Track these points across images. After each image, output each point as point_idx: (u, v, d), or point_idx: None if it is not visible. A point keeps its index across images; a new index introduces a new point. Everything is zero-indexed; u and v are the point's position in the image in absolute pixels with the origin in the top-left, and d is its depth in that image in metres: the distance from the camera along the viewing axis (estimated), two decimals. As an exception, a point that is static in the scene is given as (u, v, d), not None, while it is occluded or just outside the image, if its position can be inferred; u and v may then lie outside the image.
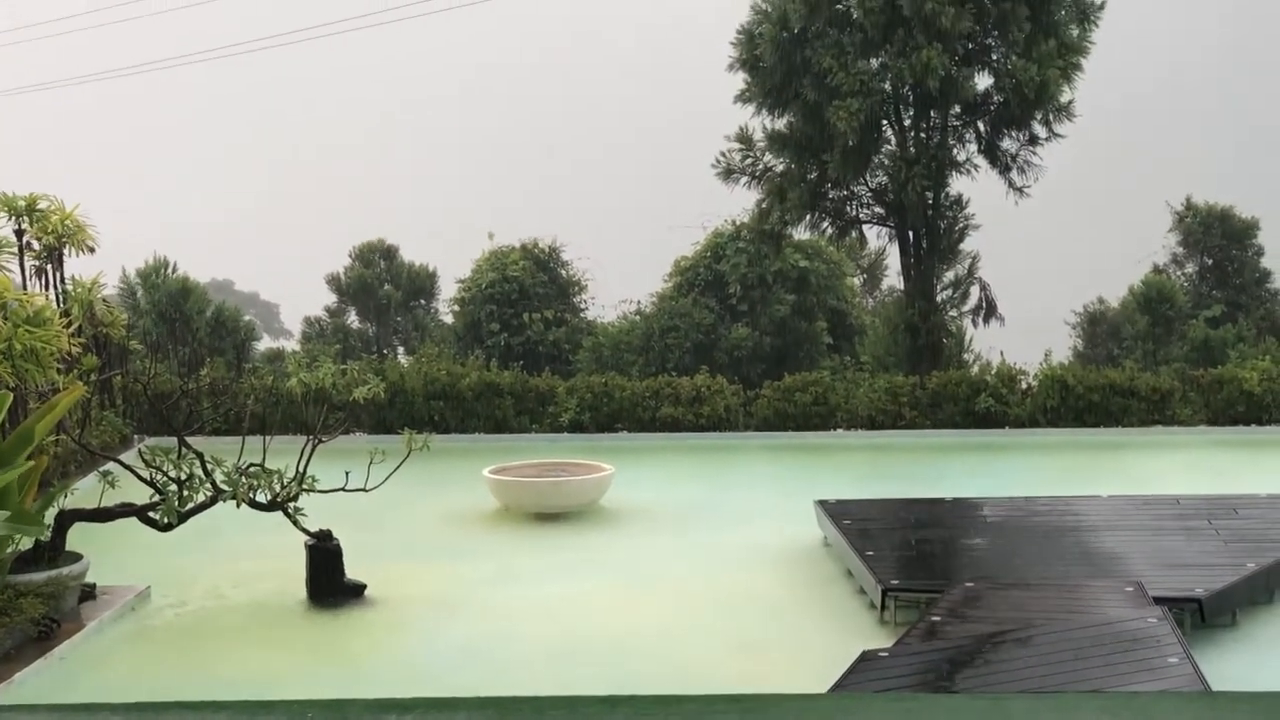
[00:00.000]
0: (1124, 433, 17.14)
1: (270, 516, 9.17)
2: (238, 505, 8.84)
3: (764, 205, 20.95)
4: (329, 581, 9.20)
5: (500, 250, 27.17)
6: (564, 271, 27.54)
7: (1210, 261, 27.45)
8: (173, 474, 8.81)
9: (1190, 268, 27.82)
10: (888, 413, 17.55)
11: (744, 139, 20.90)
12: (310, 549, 9.22)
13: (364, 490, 9.26)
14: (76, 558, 8.64)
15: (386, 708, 2.69)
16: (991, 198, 20.56)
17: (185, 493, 8.74)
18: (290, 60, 77.22)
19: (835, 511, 10.69)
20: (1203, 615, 7.96)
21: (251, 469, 8.93)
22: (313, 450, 9.33)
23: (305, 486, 9.08)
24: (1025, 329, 23.36)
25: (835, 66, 18.83)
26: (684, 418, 17.50)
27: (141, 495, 8.95)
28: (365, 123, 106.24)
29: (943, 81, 18.38)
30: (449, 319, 28.46)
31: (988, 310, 22.40)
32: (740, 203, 29.50)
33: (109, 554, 9.31)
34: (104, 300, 15.57)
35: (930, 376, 18.12)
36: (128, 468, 9.02)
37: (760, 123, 20.63)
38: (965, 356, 23.49)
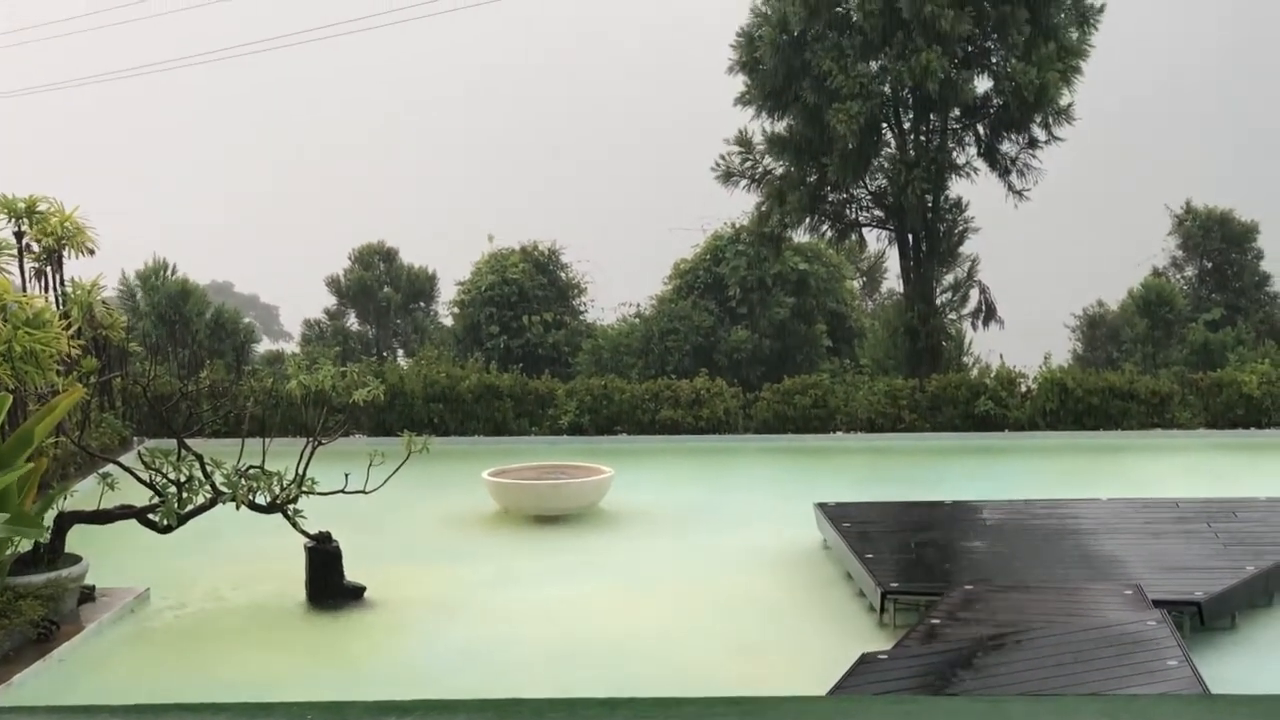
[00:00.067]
0: (1123, 436, 17.15)
1: (270, 518, 9.17)
2: (237, 507, 8.85)
3: (763, 208, 20.95)
4: (329, 583, 9.20)
5: (500, 253, 27.17)
6: (563, 274, 27.54)
7: (1210, 265, 27.45)
8: (172, 476, 8.81)
9: (1190, 271, 27.82)
10: (887, 415, 17.55)
11: (743, 142, 20.90)
12: (310, 551, 9.22)
13: (363, 492, 9.26)
14: (76, 560, 8.65)
15: (386, 710, 2.68)
16: (991, 201, 20.56)
17: (185, 495, 8.74)
18: (291, 62, 77.28)
19: (835, 514, 10.69)
20: (1202, 618, 7.97)
21: (251, 471, 8.93)
22: (312, 452, 9.33)
23: (305, 489, 9.08)
24: (1025, 332, 23.35)
25: (835, 69, 18.83)
26: (683, 420, 17.50)
27: (141, 497, 8.95)
28: (367, 124, 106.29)
29: (942, 84, 18.38)
30: (448, 321, 28.46)
31: (987, 313, 22.39)
32: (740, 205, 29.49)
33: (108, 556, 9.32)
34: (103, 302, 15.59)
35: (930, 379, 18.12)
36: (127, 470, 9.02)
37: (760, 125, 20.65)
38: (965, 359, 23.49)
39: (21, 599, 7.89)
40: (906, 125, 20.17)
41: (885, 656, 7.03)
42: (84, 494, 9.87)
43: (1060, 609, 7.85)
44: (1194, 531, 9.99)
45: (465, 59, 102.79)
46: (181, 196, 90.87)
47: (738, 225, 25.24)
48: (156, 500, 8.79)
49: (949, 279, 22.42)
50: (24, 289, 13.17)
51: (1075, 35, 19.43)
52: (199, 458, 8.87)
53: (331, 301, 30.34)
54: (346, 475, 9.25)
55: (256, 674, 7.83)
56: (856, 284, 29.35)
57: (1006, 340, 22.29)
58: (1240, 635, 8.23)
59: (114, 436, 15.09)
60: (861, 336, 26.03)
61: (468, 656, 8.16)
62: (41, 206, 13.78)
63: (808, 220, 20.92)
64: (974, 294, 22.56)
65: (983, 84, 19.84)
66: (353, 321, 30.42)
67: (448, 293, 28.92)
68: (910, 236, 20.54)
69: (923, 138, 20.04)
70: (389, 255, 30.43)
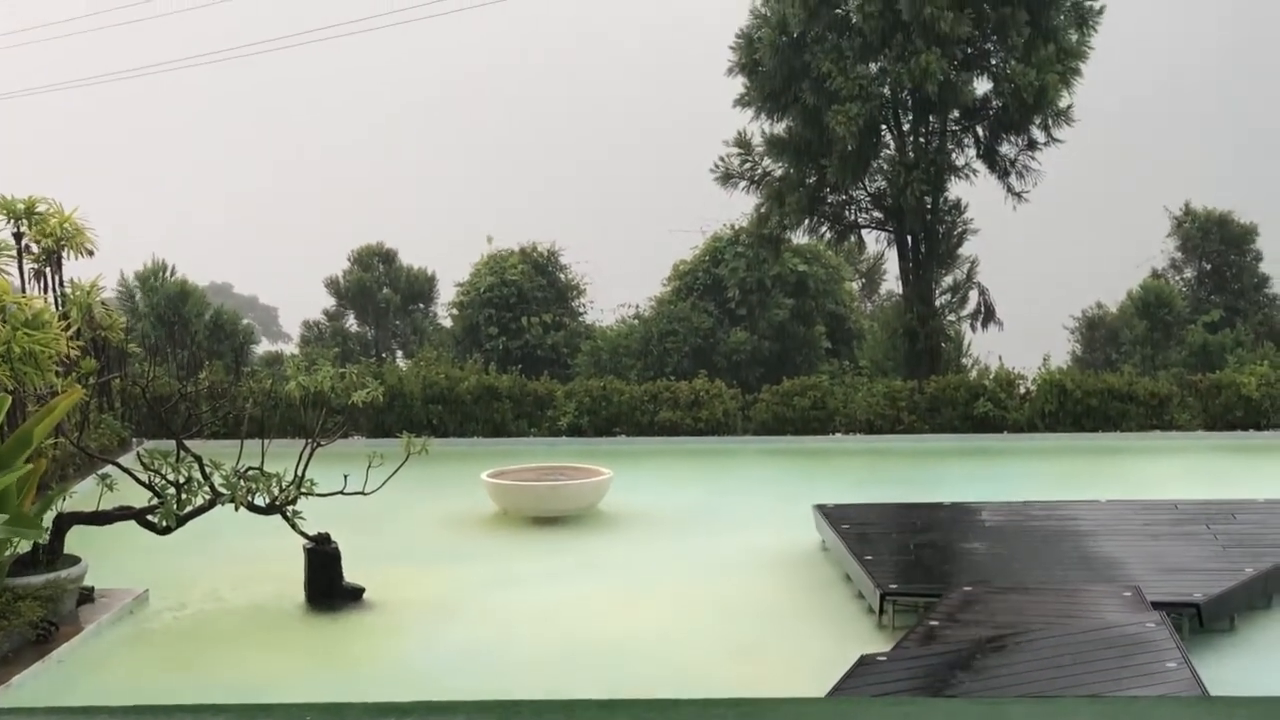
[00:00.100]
0: (1122, 437, 17.15)
1: (269, 520, 9.17)
2: (236, 508, 8.84)
3: (763, 209, 20.96)
4: (327, 585, 9.20)
5: (499, 254, 27.17)
6: (563, 275, 27.54)
7: (1209, 266, 27.45)
8: (171, 477, 8.81)
9: (1189, 273, 27.82)
10: (886, 417, 17.55)
11: (742, 143, 20.92)
12: (309, 552, 9.22)
13: (362, 494, 9.26)
14: (75, 561, 8.65)
15: (385, 711, 2.69)
16: (990, 202, 20.57)
17: (184, 496, 8.74)
18: (291, 62, 77.29)
19: (834, 516, 10.69)
20: (1201, 620, 7.97)
21: (250, 472, 8.93)
22: (311, 453, 9.33)
23: (304, 490, 9.08)
24: (1024, 333, 23.36)
25: (834, 71, 18.83)
26: (682, 422, 17.50)
27: (140, 498, 8.95)
28: (367, 125, 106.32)
29: (941, 86, 18.38)
30: (447, 323, 28.45)
31: (986, 315, 22.41)
32: (739, 207, 29.50)
33: (107, 557, 9.31)
34: (103, 303, 15.59)
35: (929, 381, 18.12)
36: (126, 471, 9.02)
37: (759, 127, 20.66)
38: (964, 361, 23.49)
39: (20, 600, 7.89)
40: (906, 127, 20.18)
41: (884, 658, 7.03)
42: (83, 495, 9.87)
43: (1059, 610, 7.86)
44: (1193, 533, 9.99)
45: (465, 60, 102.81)
46: (181, 198, 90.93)
47: (737, 227, 25.24)
48: (155, 501, 8.79)
49: (948, 280, 22.44)
50: (23, 290, 13.17)
51: (1074, 37, 19.44)
52: (198, 459, 8.87)
53: (330, 303, 30.33)
54: (345, 476, 9.25)
55: (255, 675, 7.83)
56: (855, 286, 29.35)
57: (1005, 342, 22.31)
58: (1239, 637, 8.23)
59: (113, 438, 15.09)
60: (860, 338, 26.03)
61: (467, 658, 8.16)
62: (41, 207, 13.78)
63: (807, 222, 20.92)
64: (973, 295, 22.59)
65: (982, 86, 19.85)
66: (352, 323, 30.42)
67: (447, 294, 28.93)
68: (909, 238, 20.54)
69: (922, 139, 20.04)
70: (388, 256, 30.43)
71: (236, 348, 24.66)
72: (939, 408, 17.54)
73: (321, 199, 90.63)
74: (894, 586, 8.63)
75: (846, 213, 21.12)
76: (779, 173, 20.69)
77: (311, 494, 9.11)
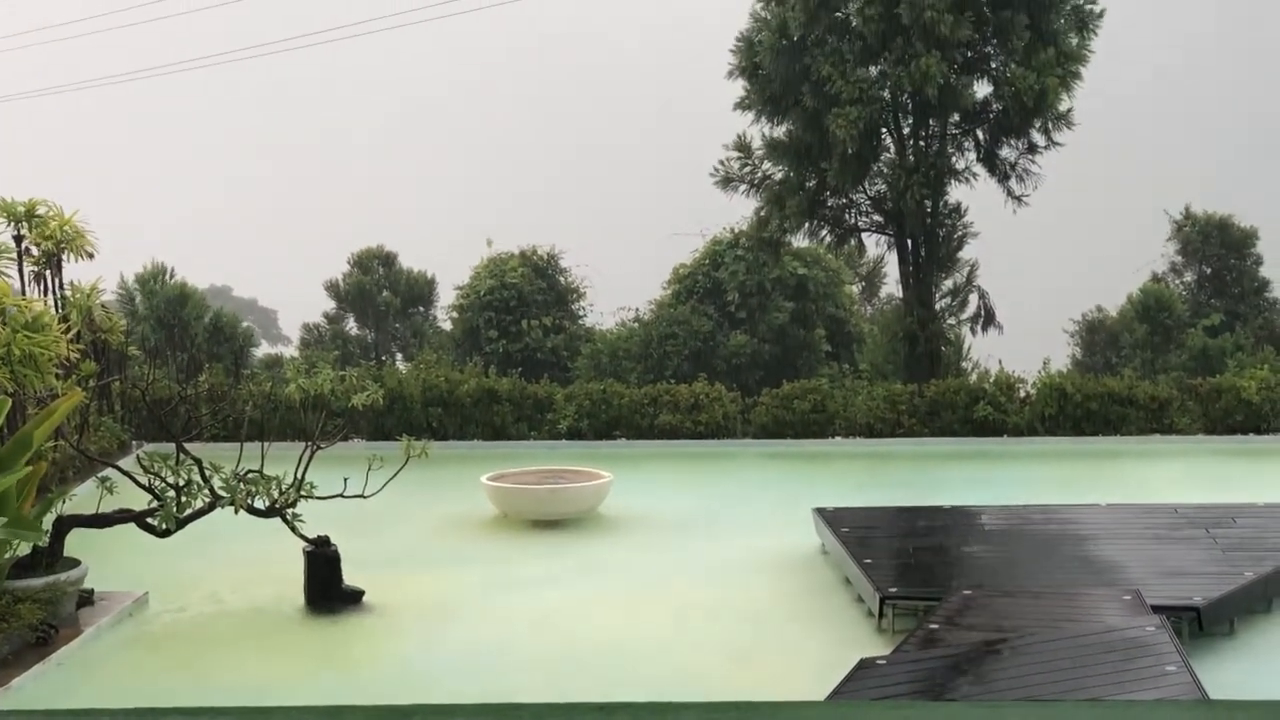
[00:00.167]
0: (1122, 441, 17.14)
1: (268, 523, 9.17)
2: (236, 511, 8.84)
3: (763, 213, 20.97)
4: (327, 588, 9.19)
5: (499, 257, 27.18)
6: (562, 278, 27.54)
7: (1209, 270, 27.47)
8: (171, 480, 8.81)
9: (1189, 276, 27.84)
10: (886, 420, 17.55)
11: (742, 147, 20.93)
12: (308, 555, 9.21)
13: (362, 497, 9.26)
14: (74, 563, 8.65)
15: (385, 714, 2.68)
16: (990, 206, 20.58)
17: (183, 499, 8.74)
18: (292, 65, 77.32)
19: (833, 519, 10.69)
20: (1200, 624, 7.96)
21: (250, 475, 8.92)
22: (311, 456, 9.33)
23: (303, 493, 9.08)
24: (1024, 337, 23.38)
25: (834, 74, 18.84)
26: (682, 425, 17.50)
27: (140, 501, 8.94)
28: (366, 127, 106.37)
29: (941, 89, 18.39)
30: (447, 326, 28.46)
31: (986, 318, 22.42)
32: (739, 210, 29.52)
33: (107, 560, 9.31)
34: (102, 306, 15.59)
35: (928, 384, 18.11)
36: (126, 474, 9.02)
37: (759, 130, 20.67)
38: (963, 365, 23.49)
39: (20, 603, 7.88)
40: (906, 130, 20.19)
41: (884, 662, 7.03)
42: (83, 498, 9.87)
43: (1059, 614, 7.85)
44: (1193, 537, 9.99)
45: (465, 62, 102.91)
46: (180, 200, 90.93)
47: (737, 230, 25.26)
48: (155, 504, 8.79)
49: (948, 284, 22.44)
50: (23, 292, 13.18)
51: (1075, 41, 19.44)
52: (198, 462, 8.87)
53: (330, 305, 30.35)
54: (345, 479, 9.25)
55: (255, 678, 7.83)
56: (855, 289, 29.36)
57: (1005, 345, 22.33)
58: (1239, 641, 8.23)
59: (113, 440, 15.09)
60: (860, 341, 26.04)
61: (466, 660, 8.16)
62: (41, 210, 13.78)
63: (807, 225, 20.93)
64: (973, 299, 22.60)
65: (982, 89, 19.86)
66: (351, 325, 30.43)
67: (446, 297, 28.96)
68: (909, 242, 20.55)
69: (922, 143, 20.05)
70: (388, 259, 30.45)
71: (236, 350, 24.66)
72: (939, 411, 17.53)
73: (321, 201, 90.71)
74: (894, 590, 8.62)
75: (846, 216, 21.13)
76: (779, 176, 20.70)
77: (311, 497, 9.11)
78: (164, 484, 8.81)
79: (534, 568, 10.69)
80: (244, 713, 2.84)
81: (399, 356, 29.40)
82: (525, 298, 26.30)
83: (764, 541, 11.28)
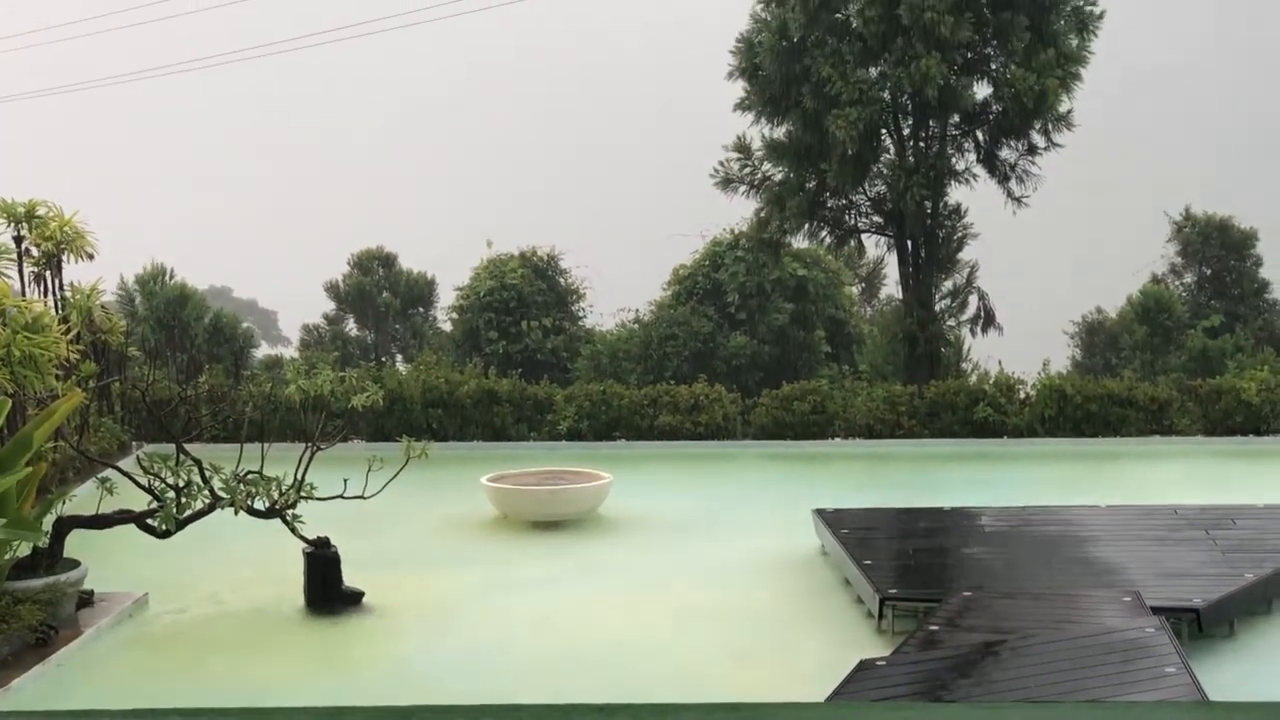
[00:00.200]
0: (1122, 442, 17.14)
1: (268, 524, 9.17)
2: (236, 512, 8.84)
3: (763, 214, 20.98)
4: (327, 589, 9.19)
5: (499, 258, 27.20)
6: (562, 279, 27.56)
7: (1209, 272, 27.49)
8: (171, 481, 8.81)
9: (1189, 278, 27.87)
10: (886, 422, 17.55)
11: (742, 148, 20.94)
12: (308, 556, 9.21)
13: (362, 498, 9.25)
14: (74, 564, 8.64)
15: (384, 715, 2.68)
16: (990, 207, 20.59)
17: (183, 500, 8.74)
18: (293, 66, 77.32)
19: (833, 520, 10.69)
20: (1200, 625, 7.96)
21: (250, 476, 8.92)
22: (311, 457, 9.33)
23: (303, 494, 9.08)
24: (1024, 338, 23.39)
25: (834, 75, 18.85)
26: (682, 426, 17.50)
27: (140, 502, 8.94)
28: (366, 128, 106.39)
29: (941, 91, 18.40)
30: (447, 327, 28.49)
31: (986, 319, 22.43)
32: (739, 211, 29.58)
33: (107, 561, 9.31)
34: (102, 307, 15.59)
35: (928, 386, 18.12)
36: (126, 475, 9.02)
37: (759, 131, 20.68)
38: (963, 366, 23.50)
39: (20, 604, 7.88)
40: (906, 131, 20.20)
41: (883, 663, 7.03)
42: (82, 499, 9.86)
43: (1059, 615, 7.85)
44: (1192, 538, 9.99)
45: (465, 63, 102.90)
46: (180, 201, 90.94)
47: (737, 231, 25.27)
48: (155, 505, 8.79)
49: (948, 285, 22.47)
50: (23, 293, 13.18)
51: (1075, 42, 19.46)
52: (198, 463, 8.86)
53: (330, 306, 30.38)
54: (345, 480, 9.24)
55: (255, 679, 7.83)
56: (855, 290, 29.38)
57: (1005, 346, 22.35)
58: (1238, 642, 8.23)
59: (113, 441, 15.09)
60: (860, 342, 26.06)
61: (466, 661, 8.16)
62: (41, 211, 13.78)
63: (807, 226, 20.95)
64: (973, 300, 22.63)
65: (982, 90, 19.88)
66: (351, 326, 30.46)
67: (446, 298, 28.99)
68: (909, 243, 20.56)
69: (922, 144, 20.06)
70: (388, 260, 30.48)
71: (236, 351, 24.68)
72: (939, 412, 17.53)
73: (321, 202, 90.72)
74: (893, 591, 8.62)
75: (846, 217, 21.14)
76: (779, 177, 20.72)
77: (311, 498, 9.11)
78: (164, 485, 8.81)
79: (534, 569, 10.69)
80: (244, 714, 2.84)
81: (399, 357, 29.44)
82: (525, 299, 26.32)
83: (764, 543, 11.28)
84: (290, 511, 9.05)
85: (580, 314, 27.67)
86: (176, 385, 17.39)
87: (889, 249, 21.50)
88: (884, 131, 20.04)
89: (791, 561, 10.66)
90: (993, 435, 17.34)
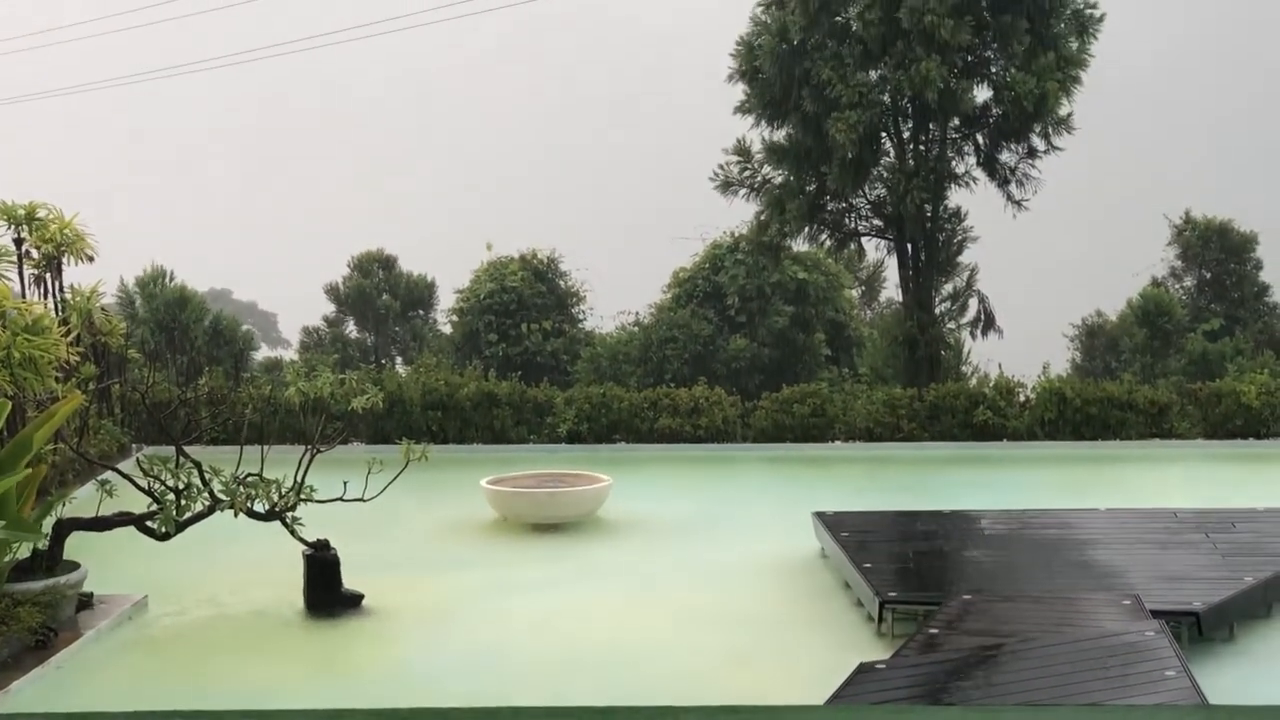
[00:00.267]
0: (1122, 446, 17.14)
1: (268, 526, 9.16)
2: (235, 515, 8.84)
3: (763, 217, 20.99)
4: (327, 591, 9.19)
5: (499, 261, 27.21)
6: (562, 282, 27.57)
7: (1209, 275, 27.50)
8: (171, 483, 8.80)
9: (1189, 281, 27.88)
10: (886, 425, 17.55)
11: (741, 151, 20.95)
12: (308, 559, 9.21)
13: (362, 500, 9.25)
14: (74, 566, 8.64)
15: (385, 717, 2.69)
16: (990, 210, 20.60)
17: (183, 502, 8.74)
18: (293, 68, 77.37)
19: (833, 523, 10.68)
20: (1200, 629, 7.96)
21: (249, 478, 8.92)
22: (311, 460, 9.33)
23: (303, 496, 9.08)
24: (1023, 341, 23.40)
25: (834, 78, 18.87)
26: (682, 429, 17.50)
27: (139, 504, 8.94)
28: (367, 129, 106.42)
29: (941, 94, 18.42)
30: (447, 329, 28.50)
31: (986, 323, 22.43)
32: (739, 214, 29.59)
33: (107, 563, 9.30)
34: (102, 309, 15.60)
35: (928, 389, 18.12)
36: (126, 477, 9.01)
37: (759, 134, 20.70)
38: (963, 369, 23.51)
39: (20, 606, 7.88)
40: (906, 134, 20.22)
41: (883, 666, 7.03)
42: (82, 501, 9.86)
43: (1058, 619, 7.85)
44: (1192, 542, 9.98)
45: (465, 64, 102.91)
46: (180, 202, 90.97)
47: (737, 234, 25.29)
48: (155, 507, 8.79)
49: (948, 288, 22.49)
50: (23, 295, 13.18)
51: (1075, 45, 19.48)
52: (197, 465, 8.86)
53: (330, 309, 30.41)
54: (345, 483, 9.24)
55: (254, 681, 7.82)
56: (855, 293, 29.40)
57: (1005, 350, 22.35)
58: (1238, 646, 8.22)
59: (112, 443, 15.09)
60: (860, 345, 26.07)
61: (466, 664, 8.15)
62: (41, 213, 13.79)
63: (807, 229, 20.97)
64: (973, 303, 22.64)
65: (982, 93, 19.91)
66: (351, 329, 30.48)
67: (446, 300, 29.01)
68: (909, 246, 20.57)
69: (922, 147, 20.08)
70: (388, 263, 30.50)
71: (236, 353, 24.70)
72: (939, 415, 17.54)
73: (321, 204, 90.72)
74: (893, 594, 8.61)
75: (846, 220, 21.16)
76: (779, 180, 20.73)
77: (311, 500, 9.11)
78: (164, 487, 8.81)
79: (534, 571, 10.69)
80: (244, 716, 2.84)
81: (399, 360, 29.45)
82: (525, 301, 26.33)
83: (763, 545, 11.28)
84: (290, 514, 9.05)
85: (580, 317, 27.70)
86: (176, 387, 17.40)
87: (889, 252, 21.53)
88: (884, 135, 20.06)
89: (791, 564, 10.65)
90: (993, 438, 17.34)
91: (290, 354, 33.41)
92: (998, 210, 20.46)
